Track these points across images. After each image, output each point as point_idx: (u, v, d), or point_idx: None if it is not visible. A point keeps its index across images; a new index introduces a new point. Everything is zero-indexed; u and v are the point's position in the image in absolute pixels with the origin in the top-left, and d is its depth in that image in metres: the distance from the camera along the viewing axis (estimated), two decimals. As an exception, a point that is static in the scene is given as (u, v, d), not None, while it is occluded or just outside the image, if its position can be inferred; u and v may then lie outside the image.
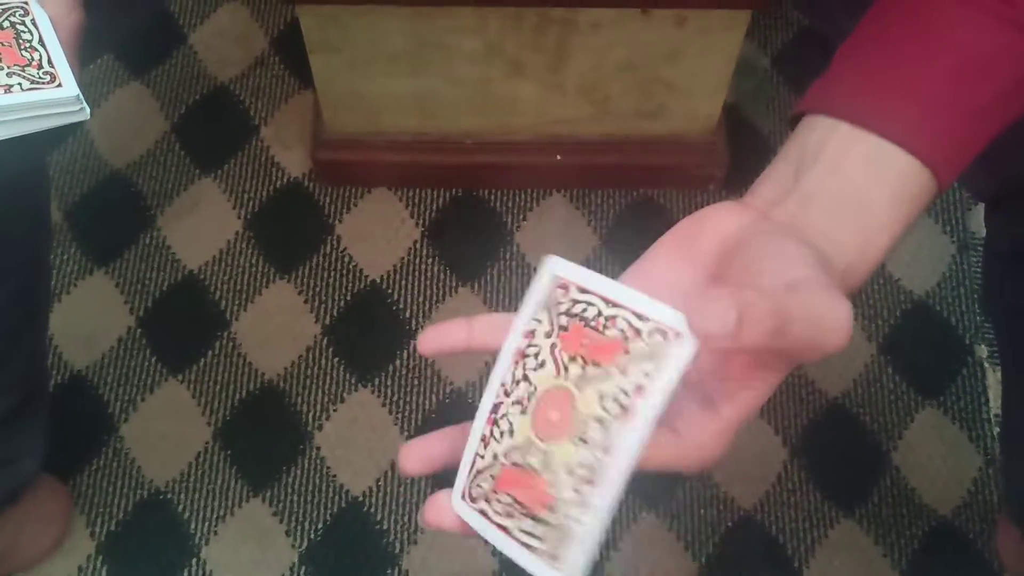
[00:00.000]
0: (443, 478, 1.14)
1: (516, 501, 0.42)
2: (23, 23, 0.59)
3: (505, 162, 1.22)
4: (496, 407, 0.44)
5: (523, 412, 0.43)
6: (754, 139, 1.29)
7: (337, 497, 1.13)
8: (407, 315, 1.20)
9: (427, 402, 1.16)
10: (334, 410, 1.16)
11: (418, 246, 1.24)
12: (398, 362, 1.18)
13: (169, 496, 1.12)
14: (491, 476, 0.43)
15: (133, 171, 1.27)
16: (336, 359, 1.18)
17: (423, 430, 1.14)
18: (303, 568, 1.10)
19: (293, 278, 1.22)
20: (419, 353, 0.48)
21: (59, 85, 0.57)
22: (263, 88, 1.32)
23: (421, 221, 1.25)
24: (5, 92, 0.55)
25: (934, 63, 0.47)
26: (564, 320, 0.43)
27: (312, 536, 1.11)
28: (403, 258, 1.23)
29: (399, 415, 1.16)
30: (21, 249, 0.82)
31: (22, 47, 0.57)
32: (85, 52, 0.77)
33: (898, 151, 0.46)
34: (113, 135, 1.29)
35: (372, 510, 1.12)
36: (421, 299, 1.21)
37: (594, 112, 1.16)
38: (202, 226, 1.25)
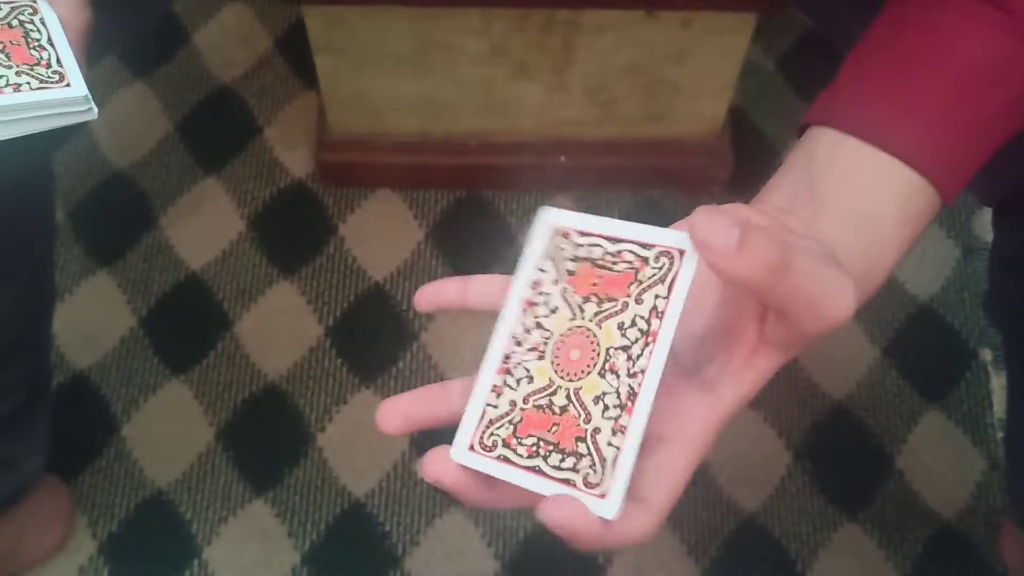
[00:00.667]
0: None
1: (543, 440, 0.43)
2: (32, 22, 0.58)
3: (510, 163, 1.22)
4: (507, 357, 0.44)
5: (540, 358, 0.44)
6: (759, 142, 1.29)
7: (340, 498, 1.12)
8: (410, 316, 1.20)
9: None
10: (337, 411, 1.16)
11: (422, 247, 1.23)
12: (401, 363, 1.18)
13: (171, 497, 1.12)
14: (510, 423, 0.43)
15: (136, 171, 1.27)
16: (339, 360, 1.18)
17: (426, 432, 1.14)
18: (305, 569, 1.09)
19: (296, 279, 1.22)
20: (415, 308, 0.47)
21: (67, 85, 0.56)
22: (267, 88, 1.32)
23: (425, 222, 1.25)
24: (14, 91, 0.54)
25: (939, 75, 0.47)
26: (571, 265, 0.45)
27: (314, 537, 1.11)
28: (407, 259, 1.23)
29: (402, 417, 1.15)
30: (26, 250, 0.81)
31: (31, 46, 0.57)
32: (92, 53, 0.77)
33: (904, 168, 0.46)
34: (116, 135, 1.29)
35: (375, 511, 1.12)
36: (424, 300, 1.21)
37: (599, 114, 1.16)
38: (205, 226, 1.24)
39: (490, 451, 0.43)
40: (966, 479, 1.14)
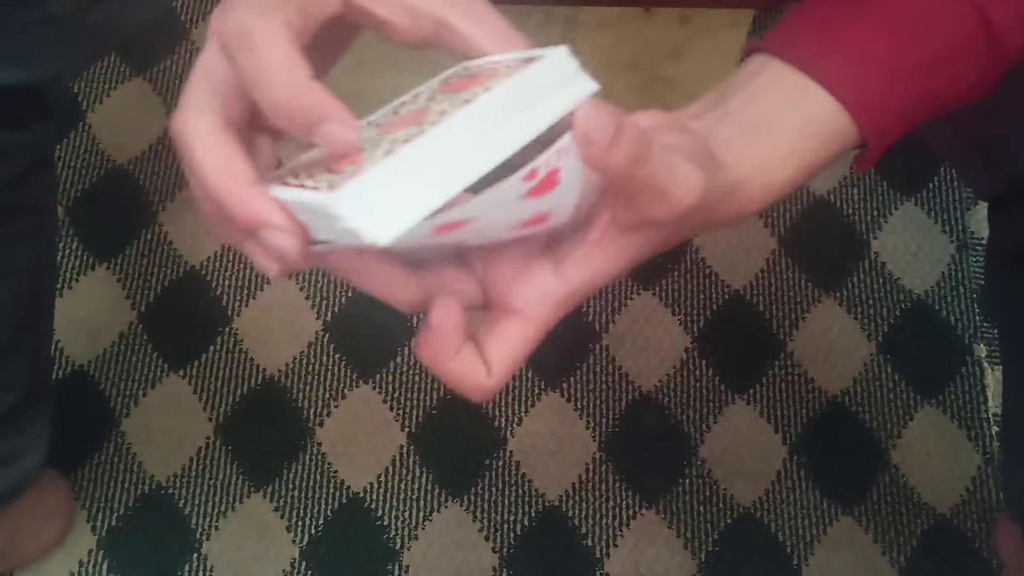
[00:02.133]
0: (447, 475, 1.12)
1: (327, 169, 0.38)
2: None
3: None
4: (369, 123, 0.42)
5: (377, 129, 0.40)
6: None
7: (338, 493, 1.13)
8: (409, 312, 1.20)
9: (428, 398, 1.17)
10: (335, 406, 1.16)
11: (420, 243, 1.24)
12: (399, 358, 1.18)
13: (170, 491, 1.13)
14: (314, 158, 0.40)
15: (135, 167, 1.27)
16: (337, 355, 1.19)
17: (424, 426, 1.15)
18: (304, 563, 1.10)
19: (294, 274, 1.22)
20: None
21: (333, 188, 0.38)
22: (265, 84, 1.32)
23: (423, 218, 1.25)
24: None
25: (871, 16, 0.48)
26: (450, 74, 0.43)
27: (313, 532, 1.11)
28: (405, 255, 1.23)
29: (400, 411, 1.16)
30: (29, 247, 0.82)
31: None
32: (94, 48, 0.77)
33: (819, 90, 0.47)
34: (115, 131, 1.29)
35: (373, 506, 1.12)
36: (422, 296, 1.21)
37: (596, 110, 1.16)
38: (203, 222, 1.24)
39: (280, 179, 0.40)
40: (961, 473, 1.15)
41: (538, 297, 0.43)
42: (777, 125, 0.47)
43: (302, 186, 0.37)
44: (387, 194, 0.34)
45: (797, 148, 0.47)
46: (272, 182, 0.40)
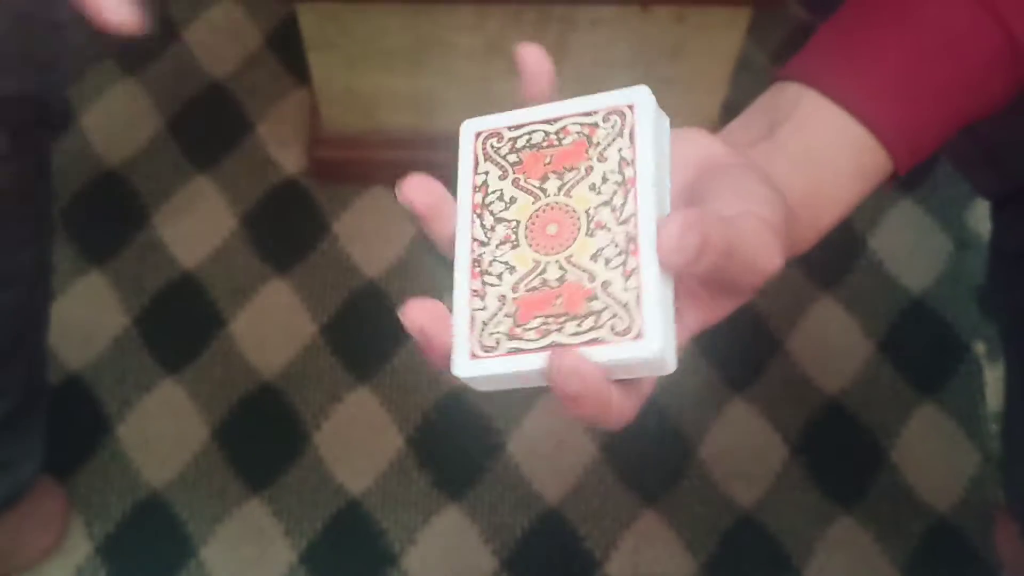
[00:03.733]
0: (446, 478, 1.12)
1: (551, 316, 0.40)
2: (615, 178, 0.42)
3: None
4: (476, 261, 0.42)
5: (514, 247, 0.42)
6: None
7: (336, 497, 1.12)
8: (405, 313, 1.20)
9: (426, 401, 1.16)
10: (332, 409, 1.16)
11: (415, 244, 1.23)
12: (396, 361, 1.18)
13: (167, 497, 1.12)
14: (506, 316, 0.41)
15: (128, 169, 1.26)
16: (334, 358, 1.18)
17: (422, 429, 1.15)
18: (302, 568, 1.09)
19: (290, 277, 1.21)
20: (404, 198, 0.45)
21: (639, 336, 0.39)
22: (258, 85, 1.31)
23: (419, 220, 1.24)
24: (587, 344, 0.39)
25: (902, 40, 0.48)
26: (513, 158, 0.43)
27: (311, 536, 1.11)
28: (401, 256, 1.23)
29: (398, 414, 1.15)
30: (28, 253, 0.81)
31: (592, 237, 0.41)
32: (87, 58, 0.76)
33: (861, 129, 0.47)
34: (107, 133, 1.28)
35: (371, 510, 1.12)
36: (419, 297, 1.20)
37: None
38: (198, 224, 1.24)
39: (494, 350, 0.40)
40: (960, 472, 1.15)
41: None
42: (831, 166, 0.47)
43: (554, 346, 0.39)
44: (666, 319, 0.39)
45: (849, 188, 0.48)
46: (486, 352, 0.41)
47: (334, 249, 1.23)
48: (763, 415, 1.16)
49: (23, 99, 0.72)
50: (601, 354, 0.38)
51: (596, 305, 0.39)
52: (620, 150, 0.41)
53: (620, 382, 0.40)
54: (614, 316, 0.39)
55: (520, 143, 0.43)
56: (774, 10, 1.24)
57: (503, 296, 0.41)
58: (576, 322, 0.39)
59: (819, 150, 0.47)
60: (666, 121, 0.43)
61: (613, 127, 0.42)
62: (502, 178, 0.43)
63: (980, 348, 1.20)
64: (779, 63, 1.32)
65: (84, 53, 0.75)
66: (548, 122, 0.43)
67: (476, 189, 0.43)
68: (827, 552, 1.11)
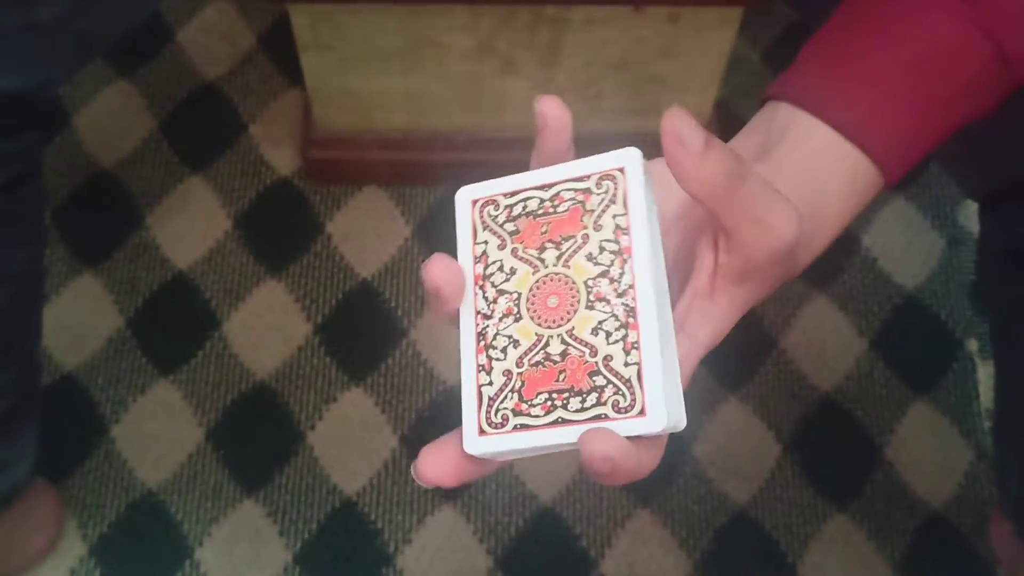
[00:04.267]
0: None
1: (555, 392, 0.41)
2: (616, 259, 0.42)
3: (497, 159, 1.21)
4: (481, 335, 0.43)
5: (517, 319, 0.42)
6: (744, 135, 1.29)
7: (330, 497, 1.12)
8: (399, 313, 1.20)
9: (420, 400, 1.16)
10: (326, 409, 1.16)
11: (409, 244, 1.23)
12: (390, 360, 1.18)
13: (161, 498, 1.12)
14: (512, 391, 0.42)
15: (121, 170, 1.26)
16: (328, 358, 1.18)
17: (416, 429, 1.15)
18: (297, 568, 1.09)
19: (284, 277, 1.21)
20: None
21: (642, 413, 0.40)
22: (251, 86, 1.31)
23: (412, 219, 1.24)
24: (546, 416, 0.41)
25: (892, 58, 0.48)
26: (510, 226, 0.44)
27: (306, 536, 1.11)
28: (394, 256, 1.23)
29: (392, 414, 1.16)
30: (20, 253, 0.81)
31: (596, 309, 0.42)
32: (80, 57, 0.76)
33: (854, 150, 0.47)
34: (100, 134, 1.28)
35: (366, 509, 1.12)
36: (413, 297, 1.21)
37: (587, 109, 1.16)
38: (191, 225, 1.24)
39: (502, 427, 0.41)
40: (954, 469, 1.15)
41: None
42: (825, 188, 0.47)
43: (559, 422, 0.40)
44: (668, 390, 0.40)
45: (842, 208, 0.48)
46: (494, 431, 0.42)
47: (327, 249, 1.23)
48: (757, 413, 1.16)
49: (9, 99, 0.72)
50: (615, 430, 0.39)
51: (599, 380, 0.40)
52: (615, 217, 0.41)
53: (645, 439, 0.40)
54: (616, 393, 0.40)
55: (516, 211, 0.43)
56: (764, 8, 1.24)
57: (508, 371, 0.42)
58: (579, 398, 0.40)
59: (814, 172, 0.47)
60: (650, 176, 0.43)
61: (606, 193, 0.42)
62: (501, 248, 0.43)
63: (973, 345, 1.20)
64: (771, 61, 1.32)
65: (71, 54, 0.75)
66: (542, 188, 0.43)
67: (477, 260, 0.44)
68: (821, 549, 1.11)
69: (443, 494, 1.12)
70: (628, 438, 0.39)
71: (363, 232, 1.24)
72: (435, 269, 0.42)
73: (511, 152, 1.21)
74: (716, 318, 0.44)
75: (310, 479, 1.13)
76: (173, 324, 1.19)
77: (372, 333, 1.19)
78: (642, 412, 0.39)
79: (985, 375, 1.19)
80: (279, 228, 1.24)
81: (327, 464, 1.14)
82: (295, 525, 1.11)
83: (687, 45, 1.06)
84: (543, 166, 0.45)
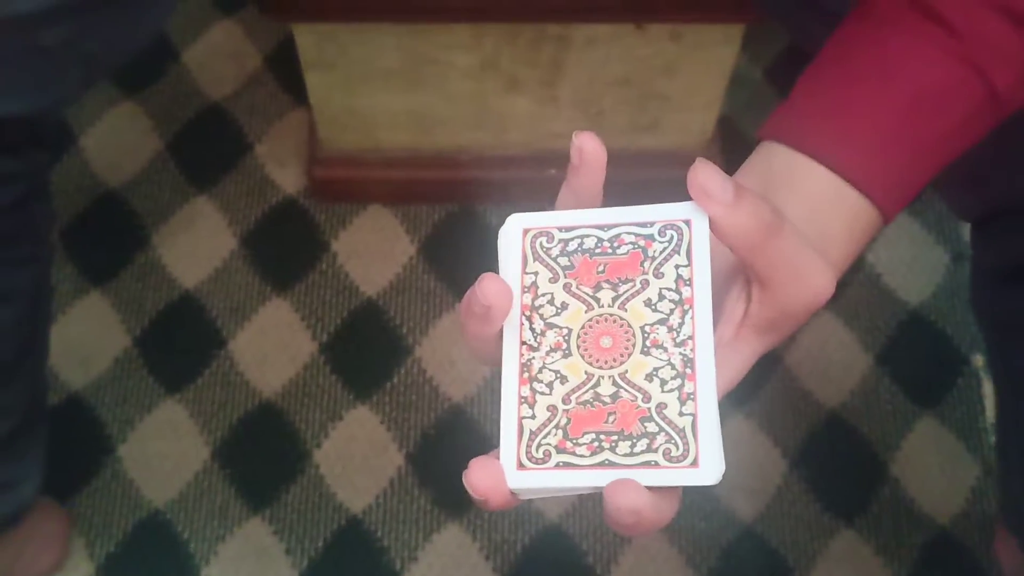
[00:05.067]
0: (447, 495, 1.12)
1: (603, 433, 0.40)
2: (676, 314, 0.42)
3: (501, 177, 1.22)
4: (526, 366, 0.42)
5: (566, 355, 0.41)
6: (748, 152, 1.27)
7: (337, 515, 1.12)
8: (404, 331, 1.20)
9: (425, 418, 1.16)
10: (332, 428, 1.16)
11: (414, 262, 1.24)
12: (396, 379, 1.18)
13: (168, 516, 1.12)
14: (557, 427, 0.41)
15: (127, 190, 1.27)
16: (333, 376, 1.18)
17: (422, 446, 1.15)
18: (304, 587, 1.09)
19: (289, 296, 1.22)
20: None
21: (695, 464, 0.39)
22: (257, 106, 1.32)
23: (417, 237, 1.25)
24: (591, 458, 0.40)
25: (886, 98, 0.48)
26: (564, 261, 0.43)
27: (312, 554, 1.11)
28: (399, 274, 1.23)
29: (398, 432, 1.16)
30: (28, 272, 0.82)
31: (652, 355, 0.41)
32: (86, 79, 0.77)
33: (853, 192, 0.47)
34: (107, 154, 1.29)
35: (372, 527, 1.12)
36: (418, 315, 1.21)
37: (589, 126, 1.15)
38: (197, 245, 1.24)
39: (543, 463, 0.40)
40: (960, 485, 1.15)
41: None
42: (828, 233, 0.47)
43: (606, 465, 0.40)
44: (716, 445, 0.39)
45: (845, 251, 0.48)
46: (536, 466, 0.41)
47: (333, 268, 1.23)
48: (763, 429, 1.16)
49: (17, 120, 0.73)
50: (656, 478, 0.39)
51: (651, 427, 0.40)
52: (677, 267, 0.41)
53: (667, 491, 0.40)
54: (669, 441, 0.39)
55: (572, 246, 0.42)
56: (766, 25, 1.24)
57: (553, 406, 0.41)
58: (629, 442, 0.40)
59: (815, 216, 0.47)
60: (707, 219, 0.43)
61: (669, 242, 0.42)
62: (552, 281, 0.42)
63: (979, 360, 1.20)
64: (773, 78, 1.33)
65: (77, 77, 0.75)
66: (601, 228, 0.42)
67: (525, 289, 0.43)
68: (829, 566, 1.11)
69: (449, 511, 1.12)
70: (660, 487, 0.39)
71: (368, 250, 1.24)
72: (489, 288, 0.41)
73: (515, 170, 1.22)
74: (734, 367, 0.44)
75: (316, 497, 1.13)
76: (179, 343, 1.20)
77: (378, 351, 1.20)
78: (695, 463, 0.39)
79: (991, 390, 1.18)
80: (285, 247, 1.25)
81: (333, 482, 1.14)
82: (302, 543, 1.11)
83: (689, 63, 1.07)
84: (575, 201, 0.44)
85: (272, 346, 1.20)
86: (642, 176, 1.22)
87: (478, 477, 0.41)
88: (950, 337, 1.21)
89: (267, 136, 1.30)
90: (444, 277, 1.23)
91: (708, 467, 0.39)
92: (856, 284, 1.23)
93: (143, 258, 1.23)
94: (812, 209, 0.47)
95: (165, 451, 1.15)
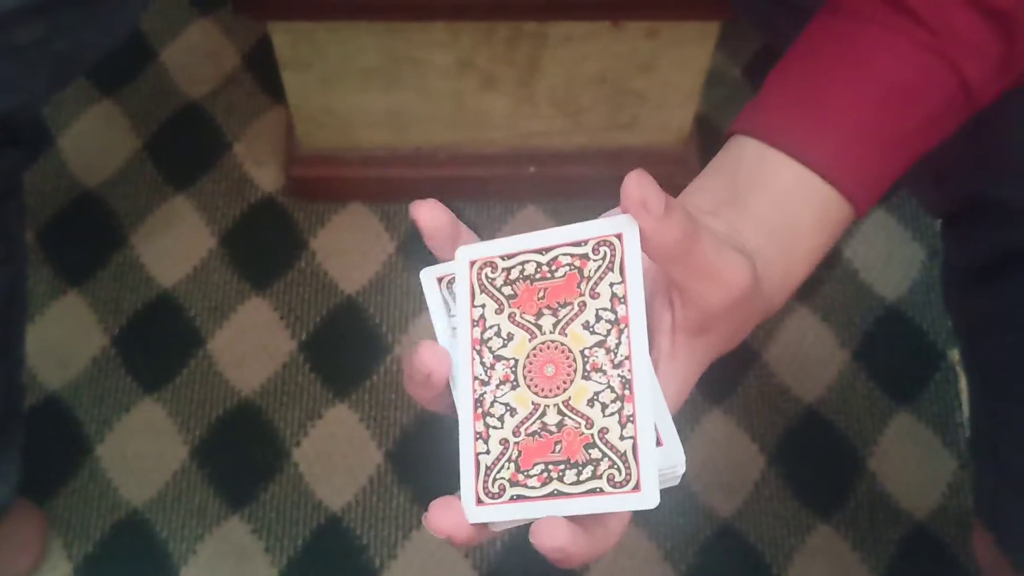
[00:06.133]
0: (426, 493, 1.12)
1: (551, 464, 0.41)
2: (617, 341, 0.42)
3: (479, 175, 1.22)
4: (479, 401, 0.43)
5: (514, 387, 0.42)
6: (726, 149, 1.30)
7: (316, 513, 1.12)
8: (383, 329, 1.20)
9: (404, 416, 1.16)
10: (311, 426, 1.16)
11: (393, 260, 1.24)
12: (375, 377, 1.18)
13: (147, 516, 1.12)
14: (509, 461, 0.42)
15: (105, 190, 1.26)
16: (312, 375, 1.18)
17: (401, 444, 1.15)
18: (283, 586, 1.09)
19: (268, 294, 1.22)
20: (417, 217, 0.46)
21: (636, 488, 0.41)
22: (235, 105, 1.32)
23: (396, 235, 1.25)
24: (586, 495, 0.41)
25: (859, 91, 0.48)
26: (508, 290, 0.43)
27: (291, 553, 1.11)
28: (378, 272, 1.23)
29: (377, 430, 1.16)
30: (0, 273, 0.81)
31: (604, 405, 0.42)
32: (59, 77, 0.77)
33: (822, 181, 0.48)
34: (84, 154, 1.28)
35: (351, 525, 1.12)
36: (397, 313, 1.21)
37: (567, 124, 1.16)
38: (175, 244, 1.24)
39: (499, 497, 0.42)
40: (937, 479, 1.16)
41: None
42: (797, 225, 0.47)
43: (555, 495, 0.41)
44: (654, 468, 0.40)
45: (814, 244, 0.48)
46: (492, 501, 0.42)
47: (312, 266, 1.23)
48: (741, 426, 1.17)
49: None
50: (601, 504, 0.40)
51: (595, 453, 0.41)
52: (612, 285, 0.42)
53: (603, 517, 0.41)
54: (612, 467, 0.40)
55: (514, 274, 0.43)
56: (743, 24, 1.25)
57: (505, 440, 0.42)
58: (576, 471, 0.41)
59: (784, 210, 0.47)
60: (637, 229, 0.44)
61: (603, 259, 0.42)
62: (498, 312, 0.43)
63: (955, 355, 1.20)
64: (751, 76, 1.33)
65: (50, 76, 0.75)
66: (540, 252, 0.43)
67: (474, 323, 0.43)
68: (806, 561, 1.11)
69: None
70: (604, 514, 0.40)
71: (347, 249, 1.24)
72: (426, 356, 0.42)
73: (493, 168, 1.22)
74: (679, 376, 0.45)
75: (295, 496, 1.13)
76: (158, 343, 1.20)
77: (357, 349, 1.20)
78: (636, 487, 0.40)
79: (967, 385, 1.19)
80: (263, 246, 1.24)
81: (312, 480, 1.14)
82: (280, 542, 1.11)
83: (666, 60, 1.07)
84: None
85: (251, 345, 1.20)
86: (621, 174, 1.23)
87: (437, 518, 0.42)
88: (926, 332, 1.22)
89: (245, 135, 1.30)
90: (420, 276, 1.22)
91: (648, 492, 0.40)
92: (833, 280, 1.24)
93: (120, 258, 1.23)
94: (781, 202, 0.47)
95: (143, 451, 1.14)
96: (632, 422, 0.41)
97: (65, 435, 1.15)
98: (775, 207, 0.47)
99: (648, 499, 0.40)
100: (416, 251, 1.24)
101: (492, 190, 1.25)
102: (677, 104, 1.14)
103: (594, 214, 0.46)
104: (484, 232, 1.23)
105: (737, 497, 1.14)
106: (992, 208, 0.65)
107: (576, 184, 1.23)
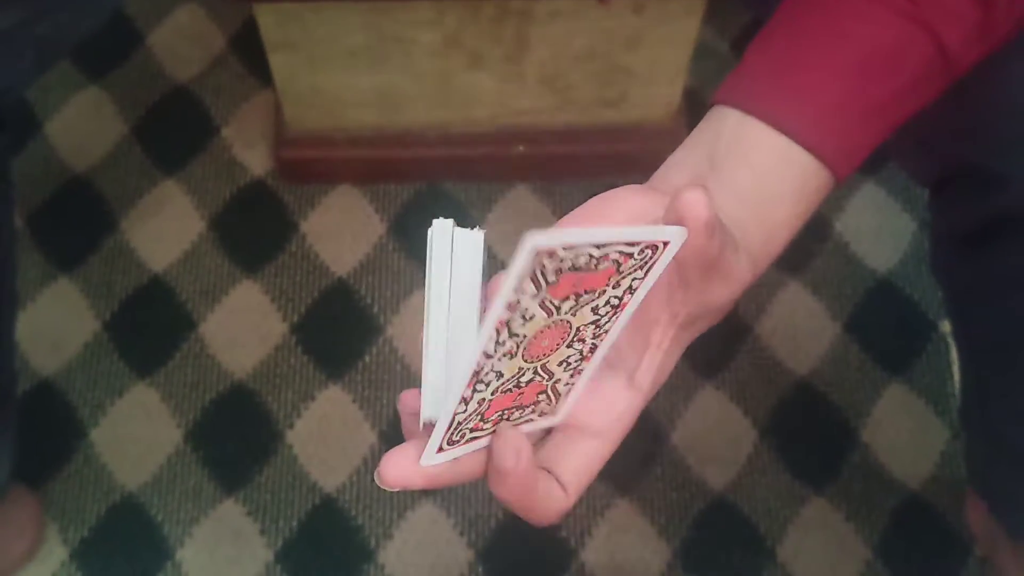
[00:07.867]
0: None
1: (507, 409, 0.44)
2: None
3: (468, 154, 1.22)
4: (476, 373, 0.42)
5: (511, 358, 0.42)
6: (715, 124, 1.29)
7: (311, 494, 1.13)
8: (375, 311, 1.20)
9: (397, 396, 1.16)
10: (305, 408, 1.16)
11: (384, 241, 1.23)
12: (367, 358, 1.18)
13: (141, 500, 1.12)
14: (477, 415, 0.43)
15: (94, 175, 1.26)
16: (305, 357, 1.18)
17: (395, 425, 1.15)
18: (279, 567, 1.10)
19: (259, 277, 1.22)
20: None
21: (553, 413, 0.47)
22: (223, 87, 1.31)
23: (386, 216, 1.25)
24: None
25: (838, 58, 0.48)
26: (552, 278, 0.42)
27: (287, 534, 1.11)
28: (369, 253, 1.23)
29: (370, 411, 1.16)
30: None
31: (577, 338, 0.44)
32: (41, 60, 0.76)
33: (801, 150, 0.48)
34: (72, 139, 1.28)
35: (346, 506, 1.12)
36: (388, 294, 1.21)
37: (555, 102, 1.16)
38: (166, 228, 1.24)
39: (458, 444, 0.43)
40: (930, 449, 1.16)
41: (617, 415, 0.45)
42: (776, 195, 0.48)
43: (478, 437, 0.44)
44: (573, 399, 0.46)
45: (793, 213, 0.48)
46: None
47: (302, 248, 1.23)
48: (733, 399, 1.17)
49: None
50: (526, 428, 0.44)
51: (542, 398, 0.44)
52: (633, 279, 0.42)
53: (551, 478, 0.44)
54: (547, 403, 0.44)
55: (566, 265, 0.42)
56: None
57: (483, 399, 0.43)
58: (520, 411, 0.44)
59: (765, 179, 0.47)
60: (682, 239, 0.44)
61: (642, 259, 0.42)
62: (534, 297, 0.42)
63: (946, 326, 1.21)
64: (740, 51, 1.33)
65: (32, 59, 0.75)
66: (597, 246, 0.42)
67: (508, 306, 0.41)
68: (800, 532, 1.12)
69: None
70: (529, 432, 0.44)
71: (338, 230, 1.24)
72: (409, 403, 0.45)
73: (483, 147, 1.22)
74: (664, 365, 0.46)
75: (290, 477, 1.13)
76: (150, 327, 1.20)
77: (349, 331, 1.20)
78: (553, 413, 0.46)
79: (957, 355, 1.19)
80: (254, 229, 1.24)
81: (307, 462, 1.14)
82: (276, 524, 1.11)
83: (653, 36, 1.07)
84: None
85: (242, 328, 1.20)
86: (611, 150, 1.23)
87: (389, 470, 0.43)
88: (918, 303, 1.22)
89: (234, 118, 1.30)
90: (414, 255, 1.23)
91: (560, 412, 0.45)
92: (824, 253, 1.24)
93: (111, 242, 1.23)
94: (761, 171, 0.47)
95: (137, 435, 1.15)
96: (579, 373, 0.44)
97: (59, 420, 1.15)
98: (754, 176, 0.47)
99: (557, 417, 0.45)
100: (406, 232, 1.24)
101: (481, 169, 1.24)
102: (665, 79, 1.14)
103: (585, 193, 0.46)
104: (473, 211, 1.23)
105: (731, 470, 1.14)
106: (977, 175, 0.65)
107: (565, 162, 1.23)
